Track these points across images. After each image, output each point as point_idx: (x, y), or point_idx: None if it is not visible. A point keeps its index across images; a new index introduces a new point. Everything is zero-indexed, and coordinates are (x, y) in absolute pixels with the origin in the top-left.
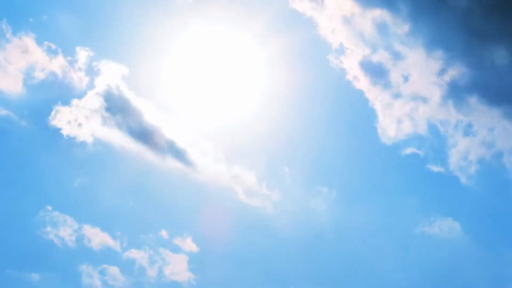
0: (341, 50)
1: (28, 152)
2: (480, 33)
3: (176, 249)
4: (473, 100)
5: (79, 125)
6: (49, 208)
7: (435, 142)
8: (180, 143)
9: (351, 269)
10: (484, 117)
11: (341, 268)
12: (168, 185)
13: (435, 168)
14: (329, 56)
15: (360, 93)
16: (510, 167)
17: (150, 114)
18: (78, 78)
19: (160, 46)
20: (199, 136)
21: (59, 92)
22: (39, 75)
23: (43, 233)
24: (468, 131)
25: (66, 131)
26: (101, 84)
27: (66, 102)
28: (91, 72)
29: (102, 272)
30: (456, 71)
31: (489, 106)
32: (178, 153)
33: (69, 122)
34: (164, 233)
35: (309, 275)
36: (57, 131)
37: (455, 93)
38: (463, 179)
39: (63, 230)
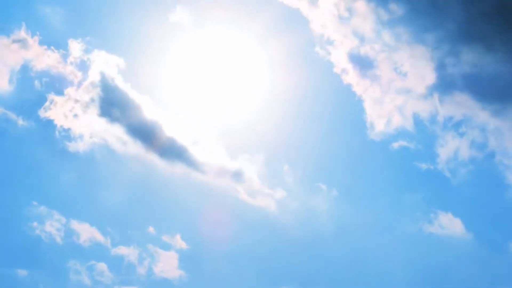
0: (329, 42)
1: (16, 146)
2: (474, 26)
3: (166, 246)
4: (463, 95)
5: (74, 116)
6: (36, 203)
7: (424, 136)
8: (179, 140)
9: (349, 266)
10: (474, 113)
11: (339, 266)
12: (164, 183)
13: (424, 165)
14: (317, 48)
15: (349, 87)
16: (500, 163)
17: (147, 110)
18: (71, 72)
19: (159, 45)
20: (198, 135)
21: (51, 85)
22: (32, 68)
23: (30, 228)
24: (458, 126)
25: (58, 124)
26: (95, 76)
27: (58, 94)
28: (84, 65)
29: (91, 269)
30: (448, 65)
31: (479, 102)
32: (175, 151)
33: (62, 115)
34: (152, 230)
35: (306, 273)
36: (49, 124)
37: (446, 87)
38: (453, 174)
39: (51, 226)
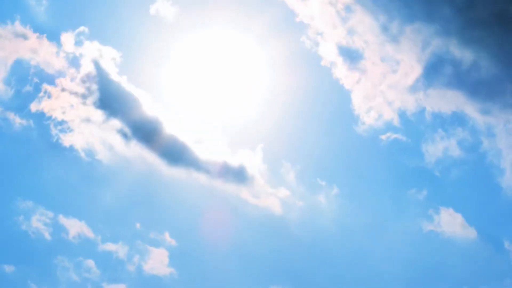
0: (318, 34)
1: (5, 140)
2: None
3: (155, 243)
4: (453, 90)
5: (66, 109)
6: (23, 198)
7: (415, 130)
8: (178, 137)
9: (351, 263)
10: (464, 108)
11: (339, 263)
12: (160, 180)
13: (418, 159)
14: (303, 38)
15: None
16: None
17: (142, 104)
18: (63, 64)
19: (155, 38)
20: (197, 132)
21: (39, 76)
22: (24, 60)
23: (17, 223)
24: (449, 120)
25: (49, 116)
26: (88, 68)
27: (49, 84)
28: (76, 57)
29: (78, 265)
30: (438, 60)
31: (470, 99)
32: (174, 148)
33: (53, 107)
34: (142, 227)
35: (302, 272)
36: (40, 117)
37: (436, 79)
38: (446, 168)
39: (38, 221)
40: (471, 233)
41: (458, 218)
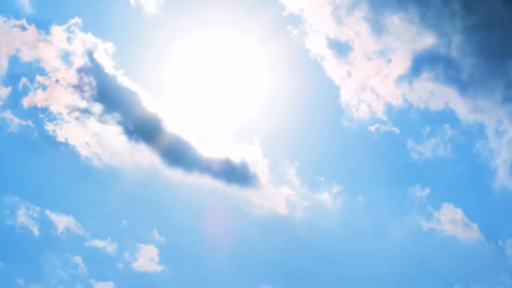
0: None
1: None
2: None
3: (145, 240)
4: (445, 85)
5: (54, 105)
6: (11, 194)
7: (405, 121)
8: (175, 132)
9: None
10: (453, 103)
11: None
12: (157, 178)
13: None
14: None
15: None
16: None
17: (136, 98)
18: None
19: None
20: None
21: (28, 69)
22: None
23: (3, 219)
24: (440, 114)
25: (39, 109)
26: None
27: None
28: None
29: (66, 261)
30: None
31: (460, 94)
32: (172, 145)
33: (44, 101)
34: (130, 224)
35: (298, 270)
36: (30, 111)
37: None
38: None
39: (26, 217)
40: (472, 229)
41: (459, 213)
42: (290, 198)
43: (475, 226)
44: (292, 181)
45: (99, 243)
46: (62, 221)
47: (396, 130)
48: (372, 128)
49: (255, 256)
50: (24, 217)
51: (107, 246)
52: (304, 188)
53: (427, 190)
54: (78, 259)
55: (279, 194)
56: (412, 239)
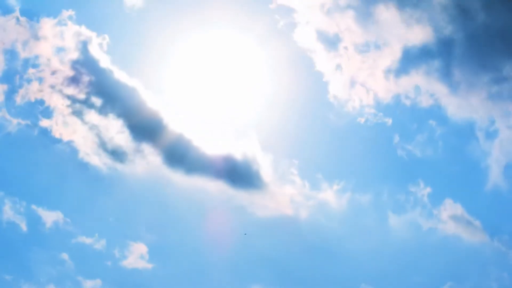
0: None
1: None
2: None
3: (135, 238)
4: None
5: (47, 94)
6: None
7: (397, 113)
8: (173, 129)
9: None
10: (444, 99)
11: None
12: (153, 176)
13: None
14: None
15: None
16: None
17: (130, 91)
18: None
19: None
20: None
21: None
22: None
23: None
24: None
25: (30, 104)
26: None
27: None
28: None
29: (54, 258)
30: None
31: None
32: (171, 144)
33: (36, 94)
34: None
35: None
36: (23, 107)
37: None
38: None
39: (12, 214)
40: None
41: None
42: (294, 197)
43: (477, 223)
44: (294, 180)
45: (86, 240)
46: (51, 217)
47: (388, 121)
48: (362, 120)
49: (249, 255)
50: (10, 212)
51: (95, 243)
52: (305, 187)
53: (428, 189)
54: (65, 255)
55: (283, 194)
56: (413, 236)
